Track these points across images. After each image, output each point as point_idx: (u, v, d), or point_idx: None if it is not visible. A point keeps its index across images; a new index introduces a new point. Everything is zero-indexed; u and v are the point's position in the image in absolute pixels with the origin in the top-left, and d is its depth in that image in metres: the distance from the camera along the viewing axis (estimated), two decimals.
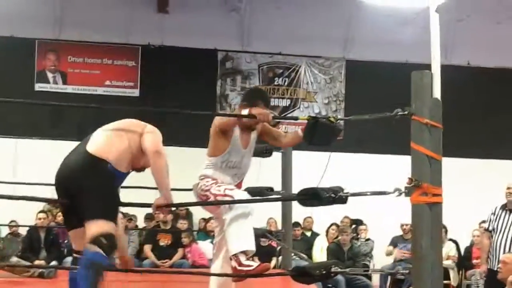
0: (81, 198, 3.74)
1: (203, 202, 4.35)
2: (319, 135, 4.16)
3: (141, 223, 10.83)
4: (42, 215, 9.69)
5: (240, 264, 4.00)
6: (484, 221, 8.26)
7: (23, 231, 10.08)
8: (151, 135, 3.98)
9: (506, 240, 6.63)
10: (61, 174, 3.89)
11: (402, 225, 10.45)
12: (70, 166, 3.87)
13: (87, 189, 3.75)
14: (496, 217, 6.81)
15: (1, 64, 11.83)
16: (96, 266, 3.63)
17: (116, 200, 3.89)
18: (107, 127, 4.06)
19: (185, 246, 10.03)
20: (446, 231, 9.97)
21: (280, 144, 4.75)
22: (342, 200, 3.52)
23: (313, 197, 3.55)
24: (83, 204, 3.75)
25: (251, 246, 4.09)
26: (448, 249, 10.28)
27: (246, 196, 4.18)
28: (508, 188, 6.75)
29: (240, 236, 4.06)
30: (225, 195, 4.17)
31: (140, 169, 4.10)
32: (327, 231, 10.63)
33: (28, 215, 9.67)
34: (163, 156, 3.89)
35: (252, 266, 3.99)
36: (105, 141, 3.92)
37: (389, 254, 10.54)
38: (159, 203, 3.80)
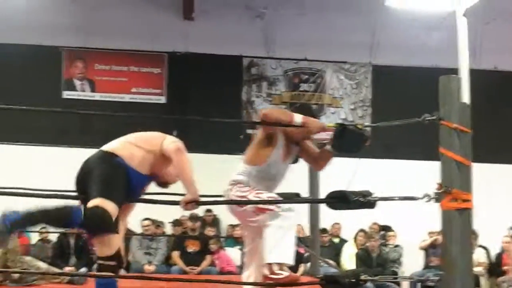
0: (87, 184, 3.79)
1: (234, 201, 4.27)
2: (347, 142, 4.13)
3: (168, 230, 10.87)
4: None
5: (272, 272, 3.99)
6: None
7: (53, 238, 10.18)
8: (171, 139, 4.02)
9: None
10: (77, 173, 3.99)
11: (429, 233, 10.36)
12: (84, 164, 3.97)
13: (92, 175, 3.81)
14: None
15: (29, 73, 11.95)
16: None
17: (122, 189, 3.82)
18: (128, 135, 4.12)
19: (213, 252, 10.04)
20: (476, 238, 9.85)
21: (318, 166, 4.63)
22: (371, 204, 3.49)
23: (341, 200, 3.52)
24: (87, 190, 3.77)
25: (289, 260, 4.07)
26: (479, 256, 10.15)
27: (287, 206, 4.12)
28: None
29: (280, 247, 4.03)
30: (259, 196, 4.12)
31: (164, 183, 4.12)
32: (355, 237, 10.57)
33: None
34: (185, 153, 3.90)
35: (282, 275, 3.98)
36: (120, 142, 4.03)
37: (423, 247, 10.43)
38: (186, 199, 3.79)
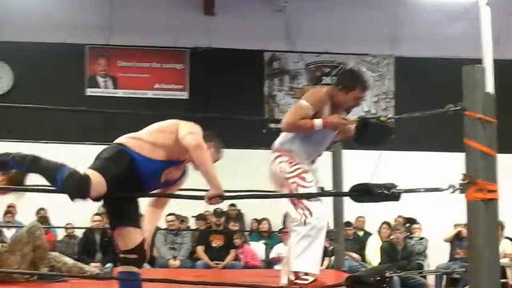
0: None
1: (257, 195, 4.29)
2: (370, 136, 4.11)
3: (192, 225, 10.92)
4: (97, 217, 9.85)
5: (297, 277, 4.01)
6: None
7: (79, 234, 10.28)
8: (187, 129, 3.92)
9: None
10: None
11: (455, 225, 10.29)
12: None
13: (95, 158, 3.81)
14: None
15: (52, 70, 12.05)
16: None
17: (117, 170, 3.74)
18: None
19: (237, 247, 10.07)
20: (502, 228, 9.77)
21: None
22: (395, 196, 3.46)
23: (365, 193, 3.50)
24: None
25: (315, 269, 4.06)
26: (505, 247, 10.07)
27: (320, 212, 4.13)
28: None
29: (306, 255, 4.03)
30: (302, 186, 4.14)
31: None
32: (379, 230, 10.53)
33: (83, 217, 9.83)
34: (204, 148, 3.84)
35: (308, 280, 3.99)
36: (129, 135, 4.00)
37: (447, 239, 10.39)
38: (210, 194, 3.78)
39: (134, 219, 3.84)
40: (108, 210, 3.92)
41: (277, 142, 4.35)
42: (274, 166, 4.30)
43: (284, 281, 4.18)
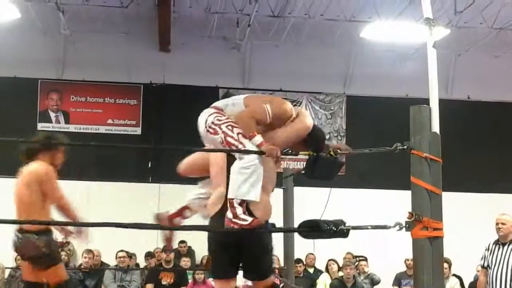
0: None
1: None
2: (320, 170, 4.14)
3: (142, 262, 10.79)
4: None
5: (236, 216, 3.86)
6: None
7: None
8: None
9: (502, 273, 6.56)
10: None
11: (406, 260, 10.39)
12: None
13: None
14: (490, 252, 6.73)
15: (4, 104, 11.89)
16: None
17: None
18: None
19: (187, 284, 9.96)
20: (450, 266, 9.88)
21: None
22: (344, 233, 3.49)
23: (314, 229, 3.52)
24: None
25: (257, 197, 3.90)
26: (452, 284, 10.18)
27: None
28: (497, 223, 6.67)
29: (248, 183, 3.88)
30: (239, 142, 3.98)
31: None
32: (326, 267, 10.55)
33: None
34: None
35: (247, 221, 3.86)
36: None
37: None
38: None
39: None
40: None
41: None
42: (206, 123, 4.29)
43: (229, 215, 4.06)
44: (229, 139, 4.01)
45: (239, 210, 3.87)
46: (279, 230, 6.18)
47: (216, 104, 4.38)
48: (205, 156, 4.45)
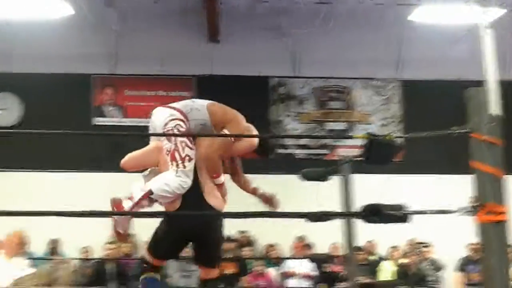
0: None
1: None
2: (376, 154, 4.08)
3: None
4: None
5: (118, 206, 4.24)
6: None
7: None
8: None
9: None
10: None
11: (469, 245, 10.19)
12: None
13: None
14: None
15: (59, 101, 12.07)
16: None
17: None
18: None
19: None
20: None
21: (238, 181, 4.92)
22: (405, 218, 3.44)
23: (374, 213, 3.47)
24: None
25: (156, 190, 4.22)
26: None
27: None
28: None
29: (165, 192, 4.23)
30: (182, 161, 4.31)
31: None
32: (391, 254, 10.44)
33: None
34: None
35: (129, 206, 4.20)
36: None
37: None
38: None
39: None
40: None
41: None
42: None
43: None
44: (176, 154, 4.29)
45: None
46: (340, 214, 6.14)
47: (180, 107, 4.63)
48: (148, 153, 4.79)
